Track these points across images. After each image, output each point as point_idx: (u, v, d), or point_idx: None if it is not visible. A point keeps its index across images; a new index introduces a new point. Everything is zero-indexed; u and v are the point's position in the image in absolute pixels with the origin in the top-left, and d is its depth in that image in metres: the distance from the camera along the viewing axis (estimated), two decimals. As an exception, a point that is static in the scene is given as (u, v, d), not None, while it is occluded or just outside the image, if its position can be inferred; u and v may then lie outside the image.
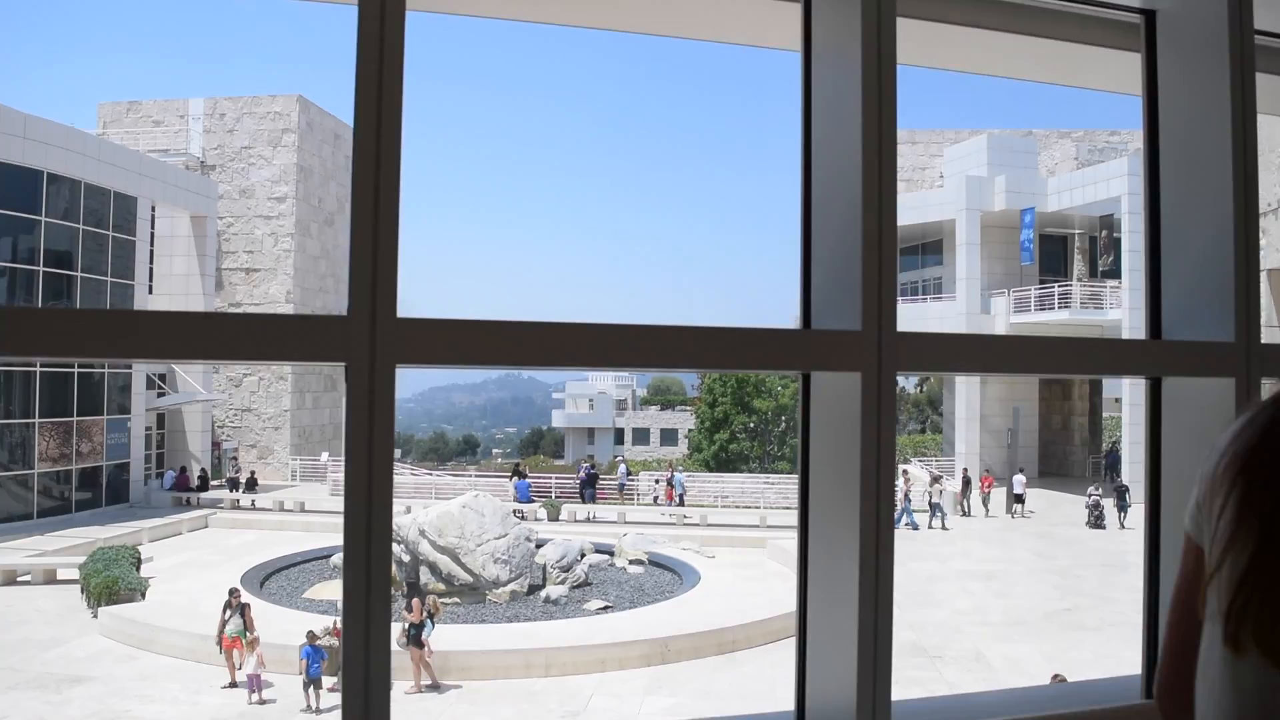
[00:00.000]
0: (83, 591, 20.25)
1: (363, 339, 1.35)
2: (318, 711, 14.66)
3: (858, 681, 1.68)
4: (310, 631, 15.20)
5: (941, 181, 49.67)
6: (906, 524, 32.26)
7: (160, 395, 37.62)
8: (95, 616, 18.96)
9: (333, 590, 16.59)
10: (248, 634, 15.51)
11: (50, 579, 22.59)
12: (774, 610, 18.92)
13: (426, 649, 15.26)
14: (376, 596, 1.39)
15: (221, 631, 15.77)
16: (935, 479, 32.77)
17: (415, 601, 15.89)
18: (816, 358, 1.61)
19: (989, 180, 40.96)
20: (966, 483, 34.98)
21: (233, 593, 16.33)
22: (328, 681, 14.61)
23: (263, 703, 14.70)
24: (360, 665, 1.41)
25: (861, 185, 1.58)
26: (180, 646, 16.74)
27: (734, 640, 17.63)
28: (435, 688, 15.22)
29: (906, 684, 15.48)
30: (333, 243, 47.47)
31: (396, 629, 15.12)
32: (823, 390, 1.72)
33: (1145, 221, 2.00)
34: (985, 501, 33.90)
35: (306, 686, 14.82)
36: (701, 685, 15.57)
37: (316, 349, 1.33)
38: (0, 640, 17.62)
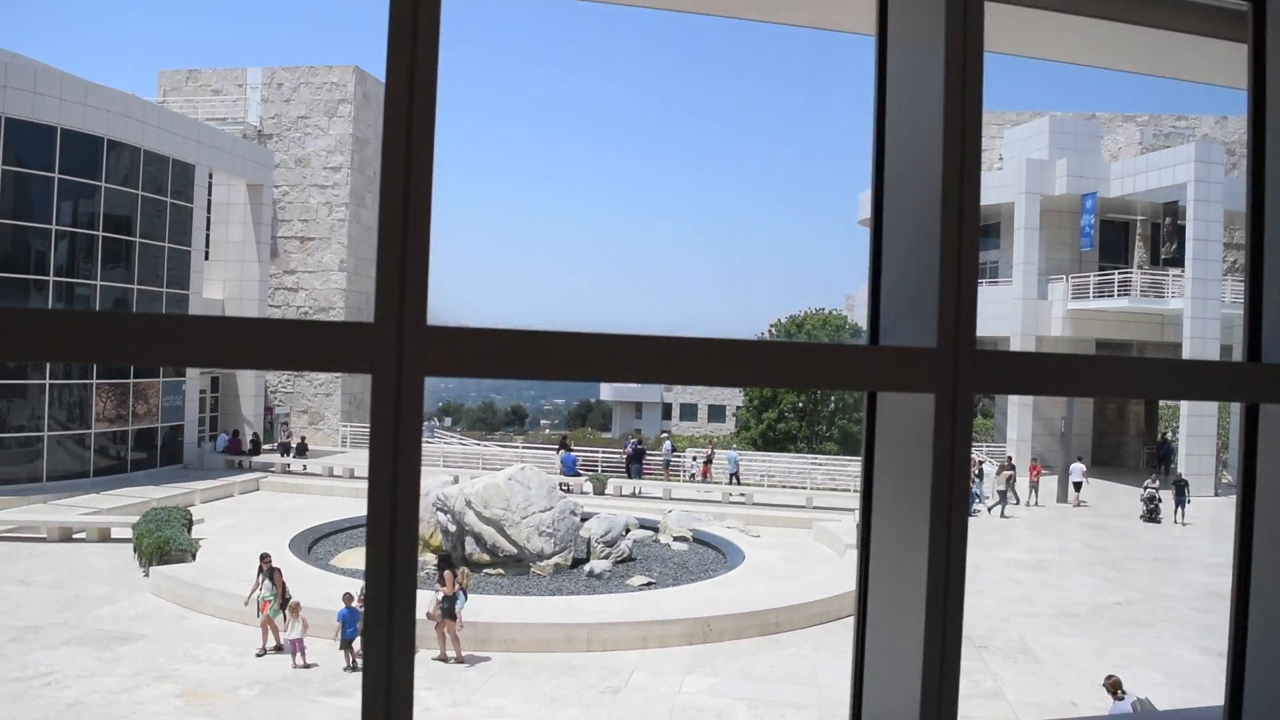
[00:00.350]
0: (135, 551, 20.60)
1: (389, 348, 1.24)
2: (357, 669, 14.84)
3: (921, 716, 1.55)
4: (347, 594, 15.42)
5: (1000, 164, 48.78)
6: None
7: (215, 359, 38.07)
8: (147, 575, 19.28)
9: (358, 557, 16.69)
10: (276, 599, 15.65)
11: (105, 537, 23.02)
12: (818, 593, 18.78)
13: (458, 621, 15.31)
14: (400, 632, 1.29)
15: (252, 595, 15.96)
16: (1003, 467, 32.34)
17: (447, 574, 15.94)
18: (886, 377, 1.47)
19: (1050, 164, 40.13)
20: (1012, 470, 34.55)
21: (263, 558, 16.49)
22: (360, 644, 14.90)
23: (306, 666, 14.85)
24: (383, 702, 1.31)
25: (941, 188, 1.43)
26: (229, 608, 16.95)
27: (776, 622, 17.51)
28: (462, 661, 15.26)
29: (951, 674, 15.29)
30: (386, 212, 47.63)
31: (429, 599, 15.29)
32: (891, 410, 1.59)
33: (1247, 231, 1.83)
34: (1033, 490, 33.44)
35: (343, 647, 15.14)
36: (742, 666, 15.49)
37: (340, 358, 1.23)
38: (55, 596, 17.99)
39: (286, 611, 15.41)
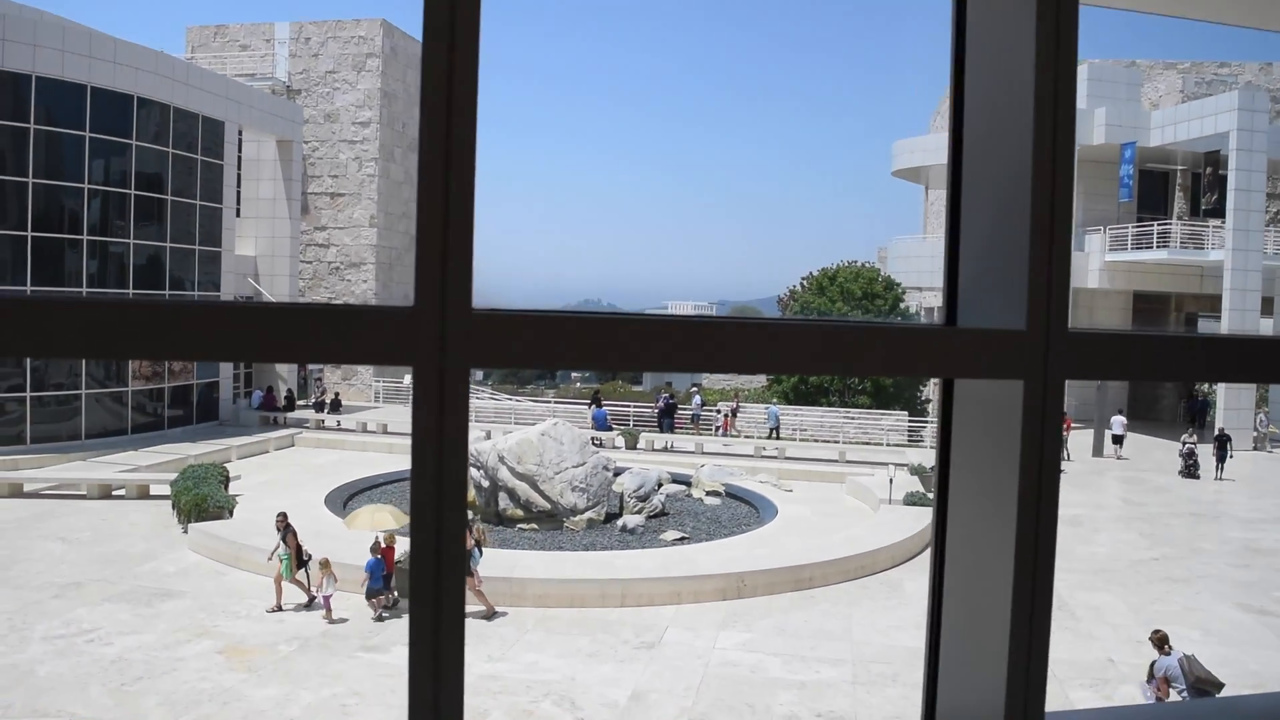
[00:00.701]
0: (173, 507, 20.83)
1: (430, 336, 1.13)
2: (383, 620, 15.04)
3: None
4: (375, 542, 15.62)
5: (1038, 111, 47.86)
6: None
7: (248, 316, 38.26)
8: (185, 532, 19.50)
9: (368, 517, 16.62)
10: (290, 559, 15.71)
11: (144, 494, 23.29)
12: (851, 549, 18.72)
13: (476, 578, 15.35)
14: (448, 663, 1.19)
15: (274, 552, 16.07)
16: None
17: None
18: (966, 362, 1.34)
19: (1087, 113, 39.27)
20: None
21: (280, 516, 16.63)
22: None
23: (334, 621, 14.97)
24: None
25: (1032, 152, 1.30)
26: (266, 565, 17.12)
27: (810, 577, 17.48)
28: (487, 616, 15.33)
29: (986, 630, 15.21)
30: (415, 168, 47.48)
31: None
32: (972, 398, 1.46)
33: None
34: (1064, 445, 33.15)
35: (369, 597, 15.37)
36: (776, 622, 15.49)
37: (377, 347, 1.12)
38: (95, 553, 18.23)
39: (318, 568, 15.50)
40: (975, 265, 1.45)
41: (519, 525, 21.40)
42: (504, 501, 21.85)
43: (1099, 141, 38.92)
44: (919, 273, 49.65)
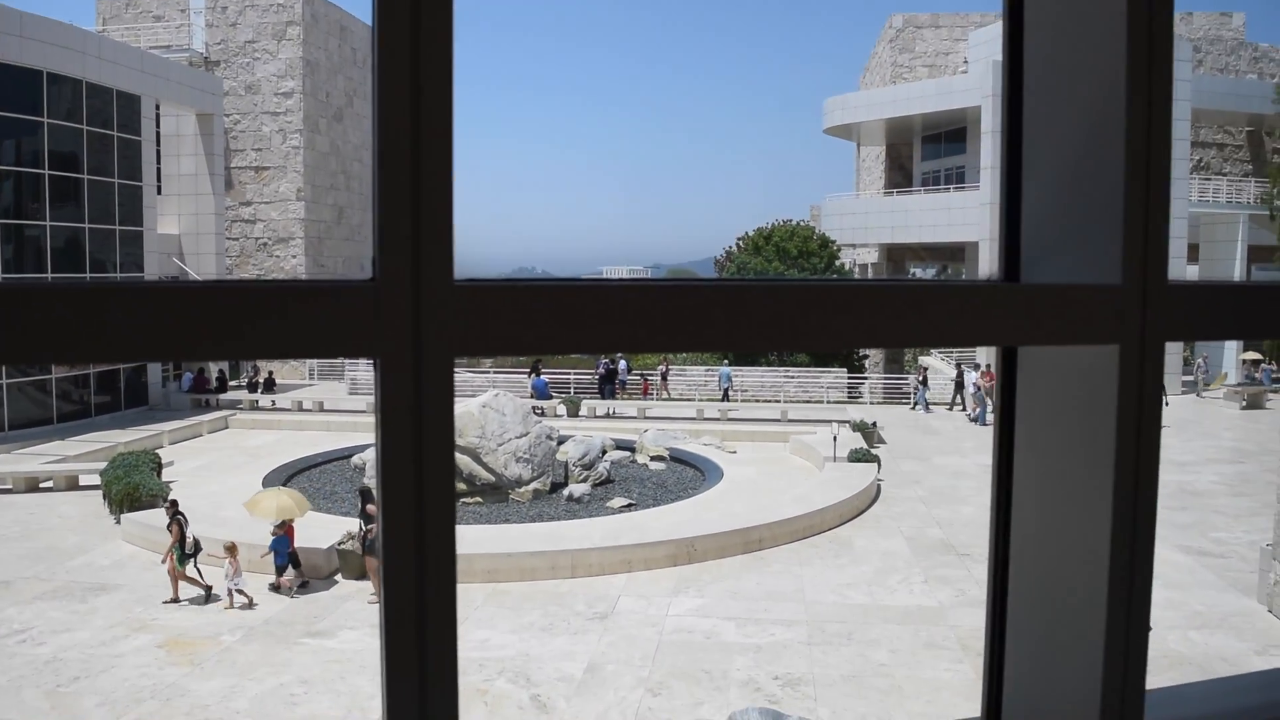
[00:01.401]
0: (104, 498, 20.16)
1: (400, 317, 0.87)
2: (290, 597, 15.05)
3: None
4: (279, 523, 15.53)
5: (965, 67, 48.17)
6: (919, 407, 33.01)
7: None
8: (118, 523, 18.88)
9: (272, 502, 16.12)
10: (178, 549, 15.09)
11: (72, 485, 22.54)
12: (799, 508, 18.70)
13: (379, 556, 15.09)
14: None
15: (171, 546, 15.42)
16: (985, 373, 32.50)
17: (371, 507, 15.65)
18: (1040, 324, 1.10)
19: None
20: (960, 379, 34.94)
21: (169, 504, 16.21)
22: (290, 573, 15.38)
23: (240, 608, 14.57)
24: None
25: (1126, 70, 1.06)
26: (204, 553, 16.62)
27: (760, 539, 17.43)
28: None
29: (936, 583, 15.30)
30: (341, 138, 46.47)
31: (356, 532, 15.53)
32: (1046, 366, 1.22)
33: None
34: (990, 395, 33.60)
35: (278, 575, 15.33)
36: (729, 586, 15.41)
37: (327, 336, 0.85)
38: (25, 548, 17.59)
39: (225, 553, 14.92)
40: (1045, 209, 1.21)
41: (463, 500, 21.07)
42: (448, 476, 21.49)
43: (1027, 94, 39.17)
44: (853, 229, 49.90)
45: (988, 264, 40.37)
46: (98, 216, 31.90)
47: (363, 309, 0.87)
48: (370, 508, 15.66)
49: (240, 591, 14.66)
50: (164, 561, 15.33)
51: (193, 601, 14.86)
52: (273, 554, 15.38)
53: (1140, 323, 1.11)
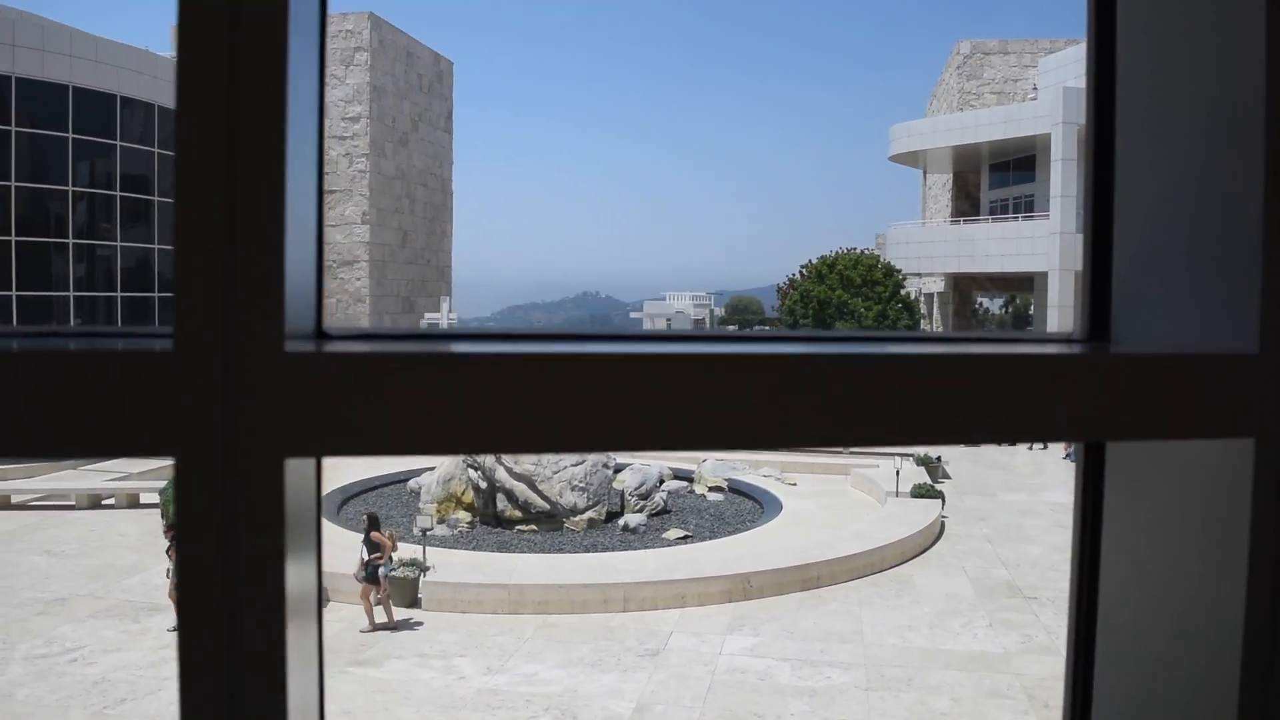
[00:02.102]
0: (162, 516, 20.28)
1: (204, 400, 0.60)
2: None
3: None
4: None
5: (1035, 94, 47.40)
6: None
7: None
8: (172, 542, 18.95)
9: None
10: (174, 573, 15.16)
11: (133, 503, 22.75)
12: (860, 545, 18.19)
13: (382, 588, 14.86)
14: None
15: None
16: None
17: (376, 535, 15.43)
18: (1141, 408, 0.79)
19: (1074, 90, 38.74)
20: None
21: (168, 529, 16.19)
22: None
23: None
24: None
25: (1266, 72, 0.76)
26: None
27: (818, 576, 16.96)
28: (391, 628, 14.77)
29: (1001, 628, 14.72)
30: (406, 163, 46.95)
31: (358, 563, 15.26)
32: (1144, 466, 0.90)
33: None
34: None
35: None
36: (785, 624, 14.97)
37: (101, 427, 0.59)
38: (83, 565, 17.71)
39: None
40: (1146, 250, 0.90)
41: (518, 527, 20.88)
42: (502, 503, 21.32)
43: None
44: (918, 258, 49.18)
45: (1057, 294, 39.49)
46: (167, 237, 32.42)
47: (153, 389, 0.60)
48: (375, 535, 15.47)
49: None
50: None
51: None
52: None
53: (1283, 410, 0.79)
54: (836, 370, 0.76)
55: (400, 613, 15.44)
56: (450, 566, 16.31)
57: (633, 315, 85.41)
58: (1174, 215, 0.88)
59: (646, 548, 19.30)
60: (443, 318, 35.75)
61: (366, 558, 15.20)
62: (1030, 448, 32.75)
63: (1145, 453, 0.91)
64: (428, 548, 17.20)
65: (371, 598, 14.82)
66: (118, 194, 30.46)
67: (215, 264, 0.60)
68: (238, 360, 0.60)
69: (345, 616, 14.91)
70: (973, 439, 0.80)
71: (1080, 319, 0.96)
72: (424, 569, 15.91)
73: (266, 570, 0.62)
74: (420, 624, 14.95)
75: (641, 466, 24.18)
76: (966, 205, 53.91)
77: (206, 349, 0.60)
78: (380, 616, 14.83)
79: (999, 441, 0.82)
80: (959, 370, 0.79)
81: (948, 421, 0.77)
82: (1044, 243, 40.05)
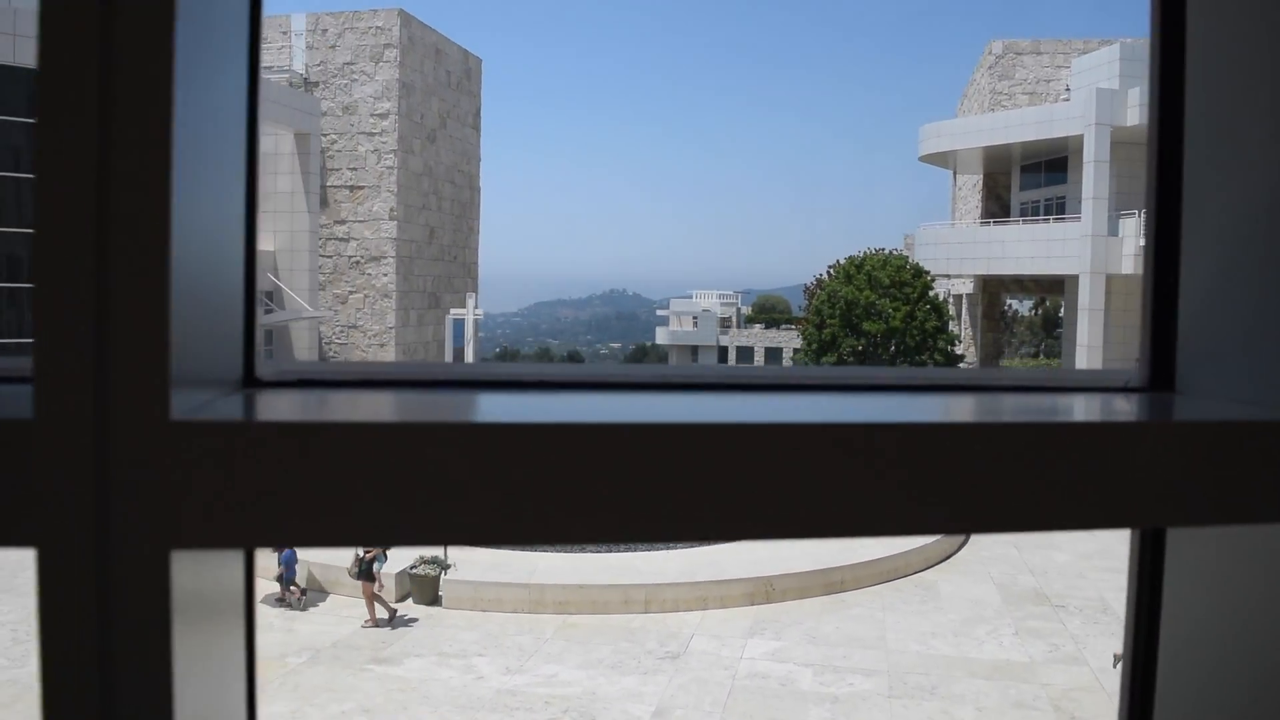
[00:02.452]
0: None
1: (69, 482, 0.49)
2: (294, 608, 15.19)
3: None
4: None
5: (1068, 95, 46.87)
6: None
7: (268, 312, 37.96)
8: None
9: None
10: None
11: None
12: (884, 549, 17.98)
13: (378, 583, 14.81)
14: None
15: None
16: None
17: None
18: (1210, 486, 0.65)
19: (1121, 93, 38.22)
20: None
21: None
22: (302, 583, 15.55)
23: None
24: None
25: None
26: (271, 569, 16.61)
27: (842, 580, 16.79)
28: (390, 621, 14.75)
29: (1027, 636, 14.51)
30: (434, 159, 47.03)
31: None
32: (1211, 550, 0.77)
33: None
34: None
35: (283, 587, 15.35)
36: (808, 629, 14.82)
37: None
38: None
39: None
40: (1217, 294, 0.77)
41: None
42: (524, 501, 21.26)
43: (1133, 122, 37.87)
44: (948, 259, 48.75)
45: (1088, 297, 39.04)
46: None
47: (7, 465, 0.48)
48: None
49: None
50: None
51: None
52: (283, 567, 15.21)
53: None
54: (899, 440, 0.64)
55: (420, 610, 15.40)
56: (471, 565, 16.24)
57: (659, 312, 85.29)
58: (1247, 246, 0.74)
59: (668, 548, 19.17)
60: (468, 314, 35.82)
61: (360, 554, 15.17)
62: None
63: (1211, 535, 0.77)
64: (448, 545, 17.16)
65: (371, 593, 14.85)
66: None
67: (84, 310, 0.49)
68: (112, 430, 0.49)
69: (349, 615, 14.91)
70: (1011, 526, 0.68)
71: (1142, 362, 0.83)
72: (445, 567, 15.86)
73: (149, 686, 0.51)
74: (367, 621, 14.84)
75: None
76: (996, 207, 53.39)
77: (74, 417, 0.49)
78: (380, 612, 14.82)
79: (1014, 530, 0.69)
80: (998, 444, 0.67)
81: (993, 505, 0.65)
82: (1075, 245, 39.60)
